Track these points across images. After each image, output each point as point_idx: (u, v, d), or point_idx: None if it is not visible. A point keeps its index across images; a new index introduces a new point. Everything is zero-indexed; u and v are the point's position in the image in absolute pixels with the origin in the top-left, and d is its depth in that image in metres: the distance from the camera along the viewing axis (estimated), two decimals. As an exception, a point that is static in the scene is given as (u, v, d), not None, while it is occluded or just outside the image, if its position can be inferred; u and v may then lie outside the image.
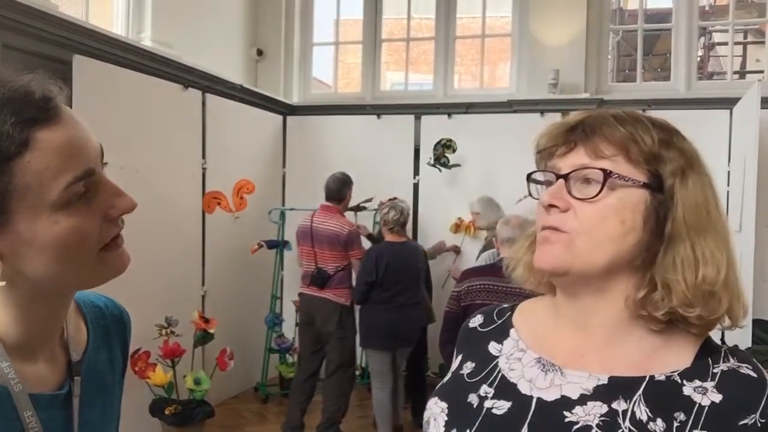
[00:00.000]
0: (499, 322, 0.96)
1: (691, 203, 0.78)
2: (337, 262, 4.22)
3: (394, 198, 4.40)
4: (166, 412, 3.83)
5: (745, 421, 0.74)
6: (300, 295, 4.42)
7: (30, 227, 0.69)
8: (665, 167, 0.79)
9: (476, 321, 0.99)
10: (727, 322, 0.80)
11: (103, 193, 0.73)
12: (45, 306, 0.76)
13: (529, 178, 0.88)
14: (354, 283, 4.24)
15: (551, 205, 0.81)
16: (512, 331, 0.93)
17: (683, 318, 0.78)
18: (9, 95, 0.68)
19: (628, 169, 0.79)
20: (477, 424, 0.84)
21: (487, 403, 0.85)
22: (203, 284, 4.76)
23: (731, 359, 0.80)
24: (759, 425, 0.74)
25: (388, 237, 4.15)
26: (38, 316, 0.76)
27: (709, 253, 0.77)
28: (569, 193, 0.80)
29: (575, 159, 0.81)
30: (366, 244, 4.55)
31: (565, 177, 0.81)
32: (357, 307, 4.26)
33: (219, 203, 4.75)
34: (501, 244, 3.15)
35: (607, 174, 0.78)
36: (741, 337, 3.64)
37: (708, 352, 0.81)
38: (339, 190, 4.30)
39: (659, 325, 0.79)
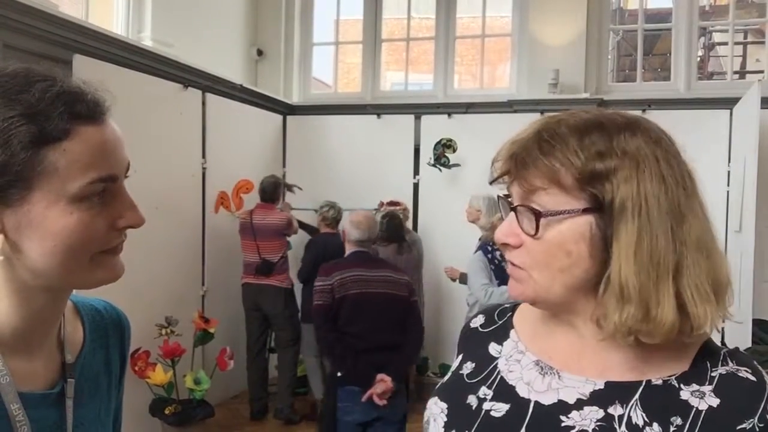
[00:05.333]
0: (500, 322, 0.96)
1: (621, 226, 0.73)
2: (280, 250, 4.81)
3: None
4: (166, 412, 3.83)
5: (743, 426, 0.73)
6: (245, 285, 4.82)
7: (44, 211, 0.71)
8: (602, 186, 0.74)
9: (477, 321, 0.99)
10: (701, 325, 0.75)
11: (118, 202, 0.76)
12: (40, 300, 0.77)
13: (500, 198, 0.88)
14: (301, 264, 4.80)
15: (505, 243, 0.82)
16: (512, 332, 0.93)
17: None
18: (64, 90, 0.72)
19: (563, 199, 0.76)
20: (476, 425, 0.84)
21: (486, 405, 0.86)
22: (203, 284, 4.77)
23: (730, 362, 0.79)
24: (757, 430, 0.73)
25: (326, 229, 4.84)
26: (34, 310, 0.77)
27: (632, 287, 0.72)
28: (520, 226, 0.80)
29: (517, 190, 0.81)
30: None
31: (514, 210, 0.81)
32: (297, 288, 4.87)
33: (222, 203, 4.83)
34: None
35: (538, 215, 0.76)
36: (741, 337, 3.64)
37: (706, 355, 0.80)
38: (274, 191, 4.87)
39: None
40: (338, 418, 3.11)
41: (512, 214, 0.81)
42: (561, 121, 0.80)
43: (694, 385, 0.77)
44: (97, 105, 0.75)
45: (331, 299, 3.15)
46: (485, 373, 0.90)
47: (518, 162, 0.79)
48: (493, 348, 0.93)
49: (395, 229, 4.72)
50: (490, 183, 0.85)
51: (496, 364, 0.90)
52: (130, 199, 0.77)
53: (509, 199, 0.83)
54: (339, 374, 3.13)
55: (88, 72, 3.64)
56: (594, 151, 0.75)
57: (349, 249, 3.34)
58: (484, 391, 0.88)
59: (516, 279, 0.83)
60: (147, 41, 4.73)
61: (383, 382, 3.03)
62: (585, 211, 0.75)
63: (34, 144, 0.69)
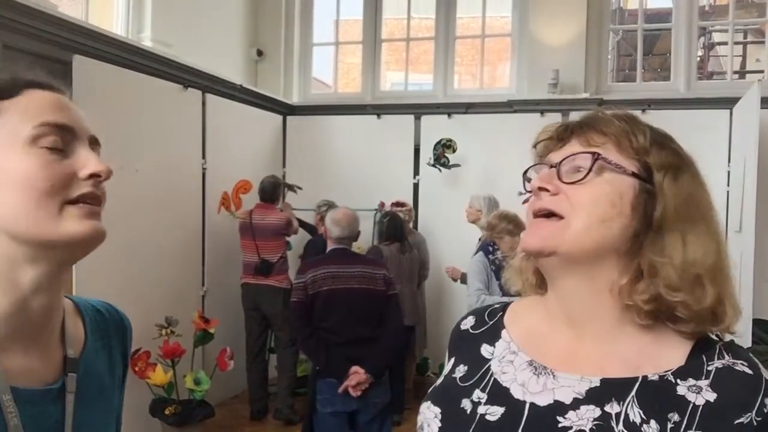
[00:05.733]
0: (491, 323, 0.95)
1: (683, 196, 0.79)
2: (279, 250, 4.80)
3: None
4: (166, 412, 3.83)
5: (740, 420, 0.73)
6: (244, 285, 4.81)
7: (1, 158, 0.74)
8: (655, 160, 0.80)
9: (468, 323, 0.98)
10: (719, 326, 0.79)
11: (80, 155, 0.78)
12: (27, 277, 0.76)
13: (525, 175, 0.89)
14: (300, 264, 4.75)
15: (541, 188, 0.82)
16: (504, 333, 0.92)
17: (669, 312, 0.77)
18: (18, 73, 0.81)
19: (618, 157, 0.80)
20: (471, 430, 0.83)
21: (481, 409, 0.85)
22: (203, 284, 4.77)
23: (726, 356, 0.79)
24: (755, 424, 0.73)
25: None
26: (23, 292, 0.76)
27: (697, 241, 0.77)
28: (560, 179, 0.81)
29: (568, 150, 0.83)
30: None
31: (558, 165, 0.82)
32: None
33: (224, 203, 4.86)
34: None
35: (595, 157, 0.80)
36: (741, 337, 3.64)
37: (702, 348, 0.80)
38: (273, 191, 4.85)
39: (646, 319, 0.78)
40: (318, 409, 3.20)
41: (552, 169, 0.83)
42: (627, 111, 0.87)
43: (690, 379, 0.77)
44: (49, 81, 0.81)
45: (305, 295, 3.24)
46: (478, 375, 0.89)
47: (583, 124, 0.84)
48: (485, 350, 0.92)
49: (396, 228, 4.73)
50: (534, 146, 0.89)
51: (489, 365, 0.89)
52: (93, 154, 0.79)
53: (548, 163, 0.85)
54: (317, 368, 3.25)
55: (88, 72, 3.65)
56: (655, 138, 0.83)
57: (329, 246, 3.41)
58: (478, 394, 0.86)
59: (540, 227, 0.81)
60: (147, 42, 4.73)
61: (357, 374, 3.12)
62: (633, 174, 0.79)
63: None
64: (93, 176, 0.76)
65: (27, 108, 0.76)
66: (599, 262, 0.80)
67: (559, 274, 0.84)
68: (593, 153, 0.80)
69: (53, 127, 0.75)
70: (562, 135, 0.85)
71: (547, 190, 0.81)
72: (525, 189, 0.87)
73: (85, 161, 0.77)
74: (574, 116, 0.90)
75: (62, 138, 0.76)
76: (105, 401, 0.87)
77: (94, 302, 0.93)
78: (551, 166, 0.83)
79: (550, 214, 0.81)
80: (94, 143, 0.80)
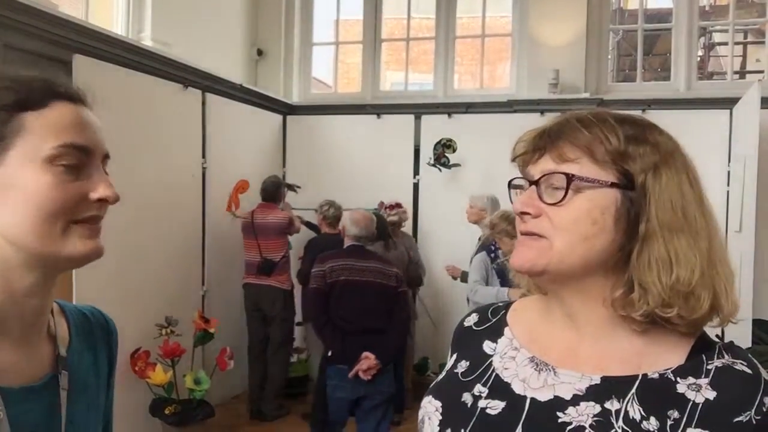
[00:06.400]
0: (494, 320, 0.96)
1: (665, 201, 0.78)
2: (281, 249, 4.82)
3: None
4: (166, 412, 3.83)
5: (739, 419, 0.74)
6: (246, 285, 4.84)
7: (19, 171, 0.75)
8: (634, 164, 0.78)
9: (471, 320, 0.99)
10: (716, 320, 0.80)
11: (94, 178, 0.79)
12: (22, 282, 0.78)
13: (510, 185, 0.89)
14: (301, 265, 4.77)
15: (523, 212, 0.82)
16: (506, 330, 0.93)
17: (664, 318, 0.77)
18: (46, 76, 0.81)
19: (594, 170, 0.79)
20: (471, 423, 0.84)
21: (481, 403, 0.86)
22: (203, 284, 4.76)
23: (726, 355, 0.79)
24: (754, 422, 0.73)
25: (326, 229, 4.90)
26: (15, 292, 0.77)
27: (682, 254, 0.76)
28: (540, 198, 0.81)
29: (544, 165, 0.82)
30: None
31: (536, 183, 0.82)
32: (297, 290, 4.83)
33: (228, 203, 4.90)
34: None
35: (569, 178, 0.78)
36: (741, 337, 3.64)
37: (702, 348, 0.80)
38: (275, 191, 4.90)
39: (641, 326, 0.79)
40: (328, 394, 3.39)
41: (532, 188, 0.82)
42: (597, 110, 0.85)
43: (690, 378, 0.78)
44: (78, 91, 0.82)
45: (323, 284, 3.45)
46: (480, 370, 0.90)
47: (553, 135, 0.82)
48: (487, 346, 0.93)
49: (378, 227, 4.70)
50: (512, 160, 0.88)
51: (491, 361, 0.90)
52: (106, 177, 0.81)
53: (527, 178, 0.85)
54: (329, 354, 3.42)
55: (88, 72, 3.64)
56: (630, 135, 0.80)
57: (346, 243, 3.63)
58: (479, 388, 0.87)
59: (527, 247, 0.82)
60: (147, 41, 4.72)
61: (367, 359, 3.31)
62: (613, 185, 0.78)
63: (14, 108, 0.76)
64: (101, 200, 0.79)
65: (52, 125, 0.77)
66: (587, 277, 0.81)
67: (551, 286, 0.86)
68: (566, 174, 0.79)
69: (72, 148, 0.77)
70: (538, 145, 0.84)
71: (529, 214, 0.82)
72: (510, 199, 0.88)
73: (96, 185, 0.79)
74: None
75: (79, 159, 0.78)
76: (89, 399, 0.88)
77: (80, 306, 0.96)
78: (531, 183, 0.83)
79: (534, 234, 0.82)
80: (105, 158, 0.83)
